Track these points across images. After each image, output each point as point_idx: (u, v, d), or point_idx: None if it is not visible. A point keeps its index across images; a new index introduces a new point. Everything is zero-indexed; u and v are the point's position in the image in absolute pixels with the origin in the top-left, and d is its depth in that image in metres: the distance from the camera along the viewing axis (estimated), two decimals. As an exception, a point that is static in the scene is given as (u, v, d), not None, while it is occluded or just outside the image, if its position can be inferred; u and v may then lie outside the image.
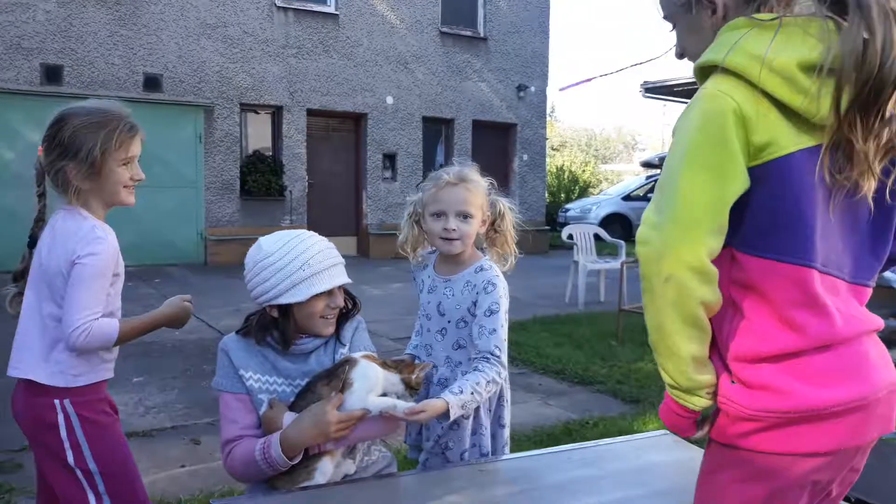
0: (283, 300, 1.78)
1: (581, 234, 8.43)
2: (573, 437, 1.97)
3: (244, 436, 1.79)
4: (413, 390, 1.80)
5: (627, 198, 17.64)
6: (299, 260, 1.77)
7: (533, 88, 15.02)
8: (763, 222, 1.11)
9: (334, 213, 12.91)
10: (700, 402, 1.16)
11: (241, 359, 1.85)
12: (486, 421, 2.01)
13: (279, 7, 12.05)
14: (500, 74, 14.56)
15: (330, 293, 1.83)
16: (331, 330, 1.89)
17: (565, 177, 23.06)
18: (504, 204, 2.10)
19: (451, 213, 1.97)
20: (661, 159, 12.78)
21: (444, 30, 13.78)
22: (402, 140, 13.45)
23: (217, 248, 11.42)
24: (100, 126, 1.80)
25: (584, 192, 22.17)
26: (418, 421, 1.77)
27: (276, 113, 12.34)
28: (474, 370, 1.86)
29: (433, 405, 1.73)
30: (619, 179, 29.33)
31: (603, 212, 16.91)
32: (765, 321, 1.13)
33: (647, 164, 12.87)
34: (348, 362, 1.80)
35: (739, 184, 1.08)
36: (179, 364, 5.37)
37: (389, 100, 13.27)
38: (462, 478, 1.83)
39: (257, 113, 12.31)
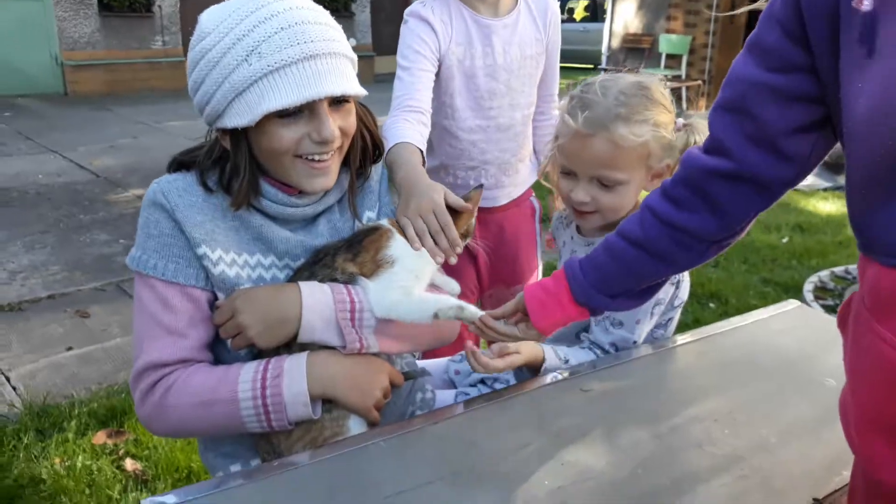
0: (226, 122, 1.03)
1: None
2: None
3: (192, 360, 1.07)
4: (464, 237, 1.18)
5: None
6: (244, 44, 0.97)
7: None
8: None
9: (214, 35, 11.35)
10: None
11: (197, 223, 1.07)
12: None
13: None
14: None
15: (311, 112, 1.03)
16: (323, 183, 1.11)
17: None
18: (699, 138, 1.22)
19: (582, 178, 1.27)
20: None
21: None
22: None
23: (77, 74, 9.79)
24: None
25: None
26: (504, 366, 1.19)
27: None
28: (588, 349, 1.34)
29: (530, 351, 1.22)
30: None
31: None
32: None
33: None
34: (379, 231, 1.14)
35: None
36: (49, 215, 4.42)
37: None
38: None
39: None
